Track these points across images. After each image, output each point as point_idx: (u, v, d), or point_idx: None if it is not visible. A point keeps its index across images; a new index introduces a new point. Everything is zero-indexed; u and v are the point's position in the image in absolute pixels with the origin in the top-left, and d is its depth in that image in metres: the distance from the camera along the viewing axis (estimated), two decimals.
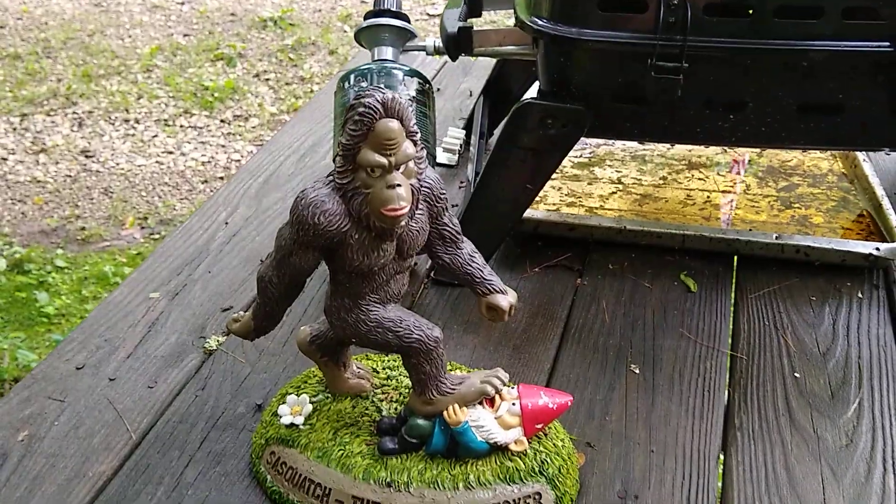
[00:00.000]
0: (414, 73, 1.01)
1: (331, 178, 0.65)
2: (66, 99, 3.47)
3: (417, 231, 0.68)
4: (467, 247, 0.74)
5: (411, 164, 0.64)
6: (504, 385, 0.76)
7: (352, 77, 1.00)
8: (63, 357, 0.95)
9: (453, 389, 0.74)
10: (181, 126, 3.30)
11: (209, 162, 3.07)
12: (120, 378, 0.92)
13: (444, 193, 0.70)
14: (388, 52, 1.04)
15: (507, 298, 0.74)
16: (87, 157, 3.10)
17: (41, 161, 3.07)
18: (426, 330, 0.71)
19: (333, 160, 0.66)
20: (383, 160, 0.61)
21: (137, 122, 3.32)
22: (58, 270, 2.49)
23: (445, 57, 1.07)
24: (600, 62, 0.93)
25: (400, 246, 0.68)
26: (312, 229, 0.64)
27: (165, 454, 0.82)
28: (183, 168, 3.04)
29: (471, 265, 0.73)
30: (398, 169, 0.63)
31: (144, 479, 0.80)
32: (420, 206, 0.68)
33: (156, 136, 3.23)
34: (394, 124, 0.61)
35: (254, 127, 3.29)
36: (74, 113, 3.37)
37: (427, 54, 1.07)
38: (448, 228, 0.72)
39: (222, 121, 3.33)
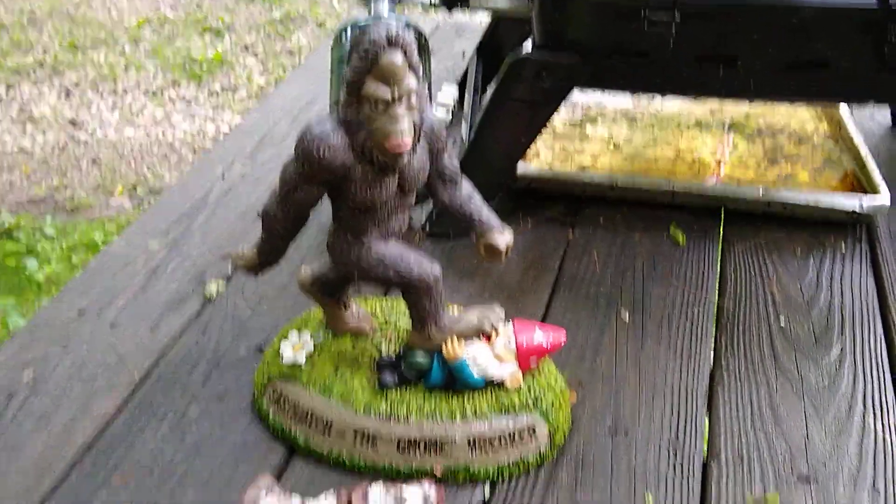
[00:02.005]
0: (410, 26, 1.02)
1: (335, 113, 0.67)
2: (52, 69, 3.45)
3: (419, 167, 0.70)
4: (466, 187, 0.76)
5: (414, 99, 0.65)
6: (500, 321, 0.78)
7: (349, 30, 1.01)
8: (64, 303, 0.96)
9: (451, 325, 0.76)
10: (169, 97, 3.29)
11: (198, 133, 3.07)
12: (121, 323, 0.94)
13: (444, 132, 0.72)
14: (384, 7, 1.05)
15: (504, 238, 0.76)
16: (74, 126, 3.09)
17: (28, 131, 3.06)
18: (427, 266, 0.73)
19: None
20: (387, 92, 0.63)
21: (125, 92, 3.31)
22: (47, 238, 2.48)
23: (439, 18, 1.08)
24: (594, 15, 0.95)
25: (402, 181, 0.70)
26: (317, 163, 0.66)
27: (168, 393, 0.84)
28: (171, 139, 3.03)
29: (469, 205, 0.75)
30: (401, 102, 0.64)
31: (148, 416, 0.82)
32: (421, 143, 0.70)
33: (144, 106, 3.22)
34: (398, 57, 0.62)
35: (242, 98, 3.28)
36: (61, 83, 3.36)
37: (423, 9, 1.09)
38: (448, 168, 0.74)
39: (210, 92, 3.33)
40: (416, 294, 0.74)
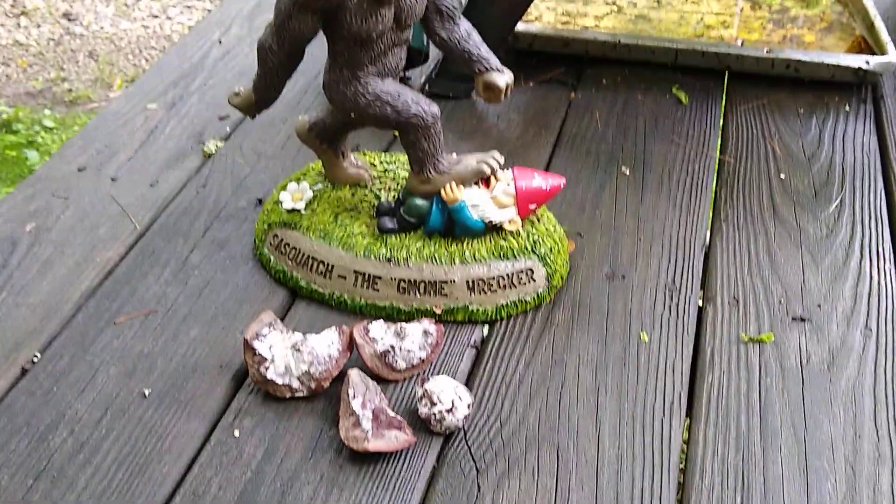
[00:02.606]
0: None
1: None
2: None
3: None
4: (464, 24, 0.75)
5: None
6: (499, 166, 0.78)
7: None
8: (64, 160, 0.96)
9: (450, 168, 0.76)
10: None
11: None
12: (122, 178, 0.94)
13: None
14: None
15: (503, 77, 0.75)
16: (69, 20, 3.03)
17: (22, 24, 3.00)
18: (424, 105, 0.73)
19: None
20: None
21: None
22: (46, 130, 2.47)
23: None
24: None
25: (398, 14, 0.69)
26: None
27: (170, 241, 0.85)
28: (169, 32, 2.98)
29: (467, 42, 0.74)
30: None
31: (151, 262, 0.83)
32: None
33: None
34: None
35: None
36: None
37: None
38: (445, 3, 0.72)
39: None
40: (414, 134, 0.73)
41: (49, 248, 0.84)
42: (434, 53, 1.11)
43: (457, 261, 0.77)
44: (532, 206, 0.79)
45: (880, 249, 0.86)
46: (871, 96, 1.10)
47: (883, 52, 1.08)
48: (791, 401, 0.69)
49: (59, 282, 0.80)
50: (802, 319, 0.77)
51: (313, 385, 0.69)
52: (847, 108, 1.07)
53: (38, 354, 0.72)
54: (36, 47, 2.88)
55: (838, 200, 0.92)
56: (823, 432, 0.67)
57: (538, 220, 0.81)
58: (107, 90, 2.68)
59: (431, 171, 0.76)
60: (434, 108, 0.73)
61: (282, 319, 0.77)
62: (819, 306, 0.79)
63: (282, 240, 0.81)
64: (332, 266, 0.78)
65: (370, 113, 0.72)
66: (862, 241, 0.87)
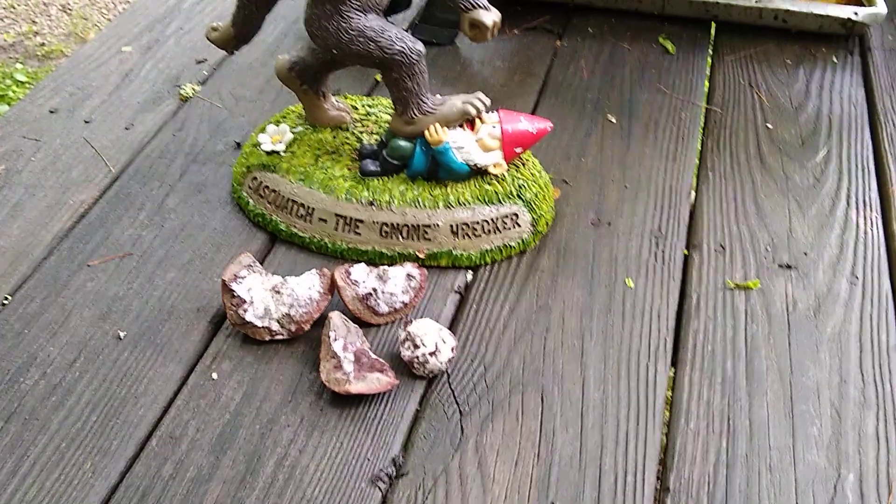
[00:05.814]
0: None
1: None
2: None
3: None
4: None
5: None
6: (485, 108, 0.76)
7: None
8: (34, 102, 0.93)
9: (434, 109, 0.74)
10: None
11: None
12: (96, 120, 0.91)
13: None
14: None
15: (490, 14, 0.73)
16: None
17: None
18: (409, 42, 0.70)
19: None
20: None
21: None
22: (18, 84, 2.41)
23: None
24: None
25: None
26: None
27: (146, 184, 0.83)
28: None
29: None
30: None
31: (126, 205, 0.80)
32: None
33: None
34: None
35: None
36: None
37: None
38: None
39: None
40: (397, 72, 0.71)
41: (20, 190, 0.82)
42: (417, 0, 1.09)
43: (441, 205, 0.75)
44: (518, 150, 0.77)
45: (867, 199, 0.85)
46: (859, 48, 1.09)
47: (871, 3, 1.07)
48: (777, 346, 0.69)
49: (30, 224, 0.78)
50: (789, 267, 0.77)
51: (293, 328, 0.67)
52: (835, 59, 1.06)
53: (9, 297, 0.70)
54: (7, 1, 2.80)
55: (825, 150, 0.91)
56: (809, 377, 0.67)
57: (524, 165, 0.79)
58: (80, 45, 2.61)
59: (415, 111, 0.74)
60: (419, 46, 0.71)
61: (261, 263, 0.75)
62: (805, 254, 0.78)
63: (261, 182, 0.79)
64: (313, 209, 0.76)
65: (353, 49, 0.70)
66: (848, 191, 0.86)
